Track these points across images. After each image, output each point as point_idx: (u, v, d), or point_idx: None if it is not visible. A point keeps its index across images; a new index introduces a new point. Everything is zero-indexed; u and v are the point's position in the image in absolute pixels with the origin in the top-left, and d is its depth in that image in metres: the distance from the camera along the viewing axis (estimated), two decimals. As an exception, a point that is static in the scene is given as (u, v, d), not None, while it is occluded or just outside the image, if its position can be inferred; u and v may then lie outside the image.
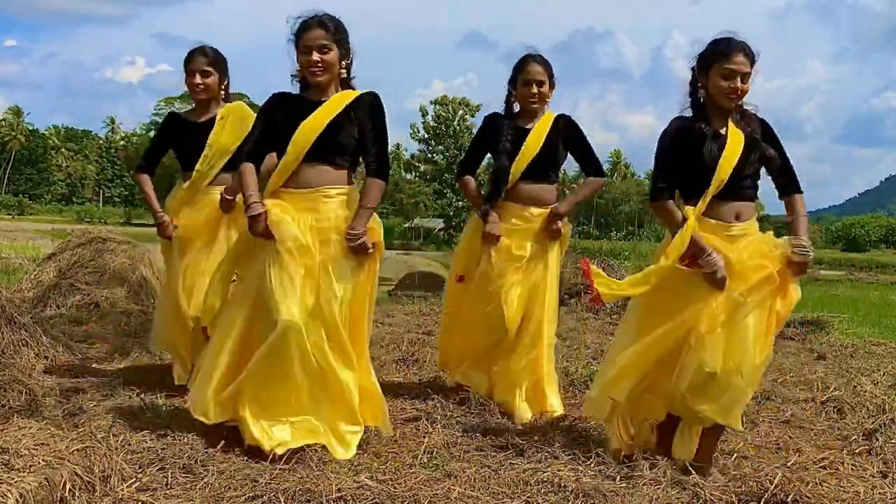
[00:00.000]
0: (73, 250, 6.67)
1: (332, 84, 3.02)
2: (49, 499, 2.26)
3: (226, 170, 3.63)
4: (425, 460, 2.90)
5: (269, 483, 2.55)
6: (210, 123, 3.71)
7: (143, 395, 3.59)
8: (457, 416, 3.53)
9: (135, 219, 55.31)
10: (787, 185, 2.95)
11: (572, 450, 3.09)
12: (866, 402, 3.96)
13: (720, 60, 2.78)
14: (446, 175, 53.38)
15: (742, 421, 3.01)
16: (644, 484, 2.70)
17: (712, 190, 2.78)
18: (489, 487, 2.65)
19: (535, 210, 3.60)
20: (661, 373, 2.85)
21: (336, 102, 2.98)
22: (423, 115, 55.62)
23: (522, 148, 3.55)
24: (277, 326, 2.77)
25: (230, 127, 3.65)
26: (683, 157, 2.82)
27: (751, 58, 2.80)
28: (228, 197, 3.60)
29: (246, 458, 2.81)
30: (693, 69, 2.89)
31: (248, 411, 2.87)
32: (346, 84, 3.06)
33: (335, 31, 2.95)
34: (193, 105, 3.85)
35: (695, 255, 2.75)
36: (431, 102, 56.33)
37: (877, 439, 3.28)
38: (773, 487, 2.58)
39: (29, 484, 2.21)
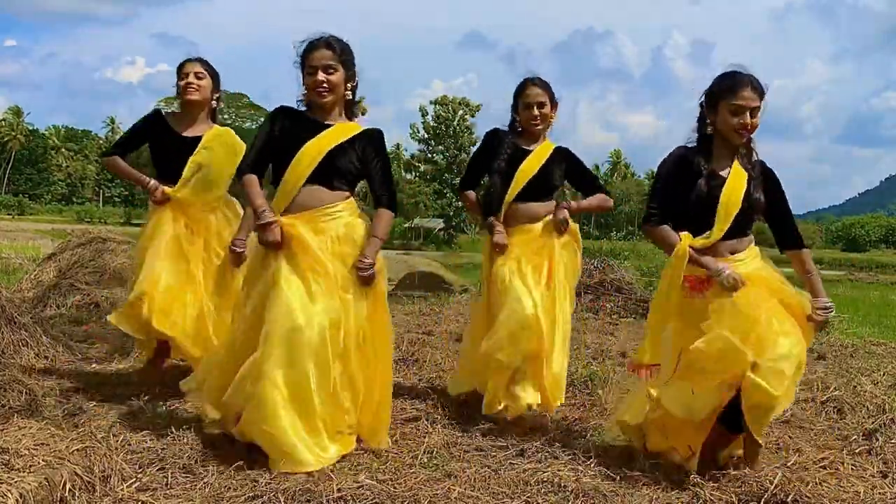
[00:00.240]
0: (73, 250, 6.69)
1: (336, 106, 3.02)
2: (49, 499, 2.26)
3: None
4: (425, 460, 2.90)
5: (269, 483, 2.55)
6: (195, 141, 3.68)
7: (143, 395, 3.58)
8: (457, 417, 3.53)
9: (135, 219, 55.26)
10: (788, 240, 2.92)
11: (572, 450, 3.09)
12: (866, 402, 3.96)
13: (727, 96, 2.73)
14: (446, 175, 53.38)
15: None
16: (644, 484, 2.70)
17: (716, 233, 2.76)
18: (489, 487, 2.65)
19: (533, 226, 3.59)
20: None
21: (342, 131, 2.98)
22: (423, 116, 55.63)
23: (518, 171, 3.55)
24: (296, 329, 2.74)
25: (221, 156, 3.66)
26: (681, 190, 2.80)
27: (759, 91, 2.73)
28: (238, 250, 3.55)
29: (246, 456, 2.80)
30: (701, 105, 2.85)
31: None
32: (351, 106, 3.07)
33: (341, 52, 2.95)
34: (179, 110, 3.80)
35: (707, 276, 2.75)
36: (431, 102, 56.34)
37: (877, 439, 3.28)
38: (773, 487, 2.58)
39: (29, 484, 2.21)
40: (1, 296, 4.53)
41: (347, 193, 3.02)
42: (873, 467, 3.00)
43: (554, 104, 3.62)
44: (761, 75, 2.79)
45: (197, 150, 3.66)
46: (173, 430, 3.04)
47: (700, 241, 2.79)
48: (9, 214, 56.09)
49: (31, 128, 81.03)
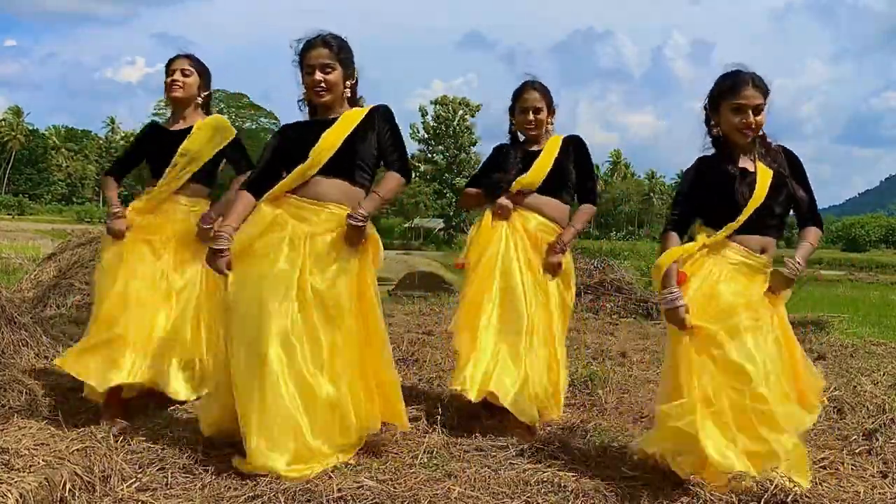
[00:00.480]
0: (73, 250, 6.69)
1: (336, 104, 3.00)
2: (49, 499, 2.26)
3: (192, 179, 3.55)
4: (425, 460, 2.89)
5: (270, 483, 2.55)
6: (185, 133, 3.60)
7: (143, 396, 3.58)
8: (457, 417, 3.52)
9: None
10: (808, 220, 2.90)
11: (572, 450, 3.09)
12: (866, 402, 3.96)
13: (728, 96, 2.71)
14: (446, 175, 53.41)
15: None
16: (644, 484, 2.70)
17: (735, 224, 2.72)
18: (489, 487, 2.64)
19: (539, 217, 3.53)
20: None
21: (351, 118, 2.96)
22: (423, 115, 55.67)
23: (534, 164, 3.51)
24: (262, 352, 2.70)
25: (204, 136, 3.56)
26: (709, 195, 2.76)
27: (762, 89, 2.70)
28: (205, 226, 3.45)
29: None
30: (705, 107, 2.82)
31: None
32: (353, 104, 3.05)
33: (339, 50, 2.93)
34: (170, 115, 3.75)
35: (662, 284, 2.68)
36: (431, 102, 56.39)
37: (877, 439, 3.28)
38: (773, 487, 2.58)
39: (29, 484, 2.22)
40: (1, 296, 4.53)
41: (369, 186, 2.99)
42: (873, 467, 3.00)
43: (551, 110, 3.60)
44: (762, 75, 2.76)
45: (188, 136, 3.60)
46: (173, 430, 3.04)
47: (718, 236, 2.74)
48: (9, 214, 56.11)
49: (31, 128, 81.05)
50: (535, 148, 3.59)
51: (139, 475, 2.58)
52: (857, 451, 3.20)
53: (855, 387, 4.33)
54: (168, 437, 2.98)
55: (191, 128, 3.59)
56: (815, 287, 14.56)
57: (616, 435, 3.30)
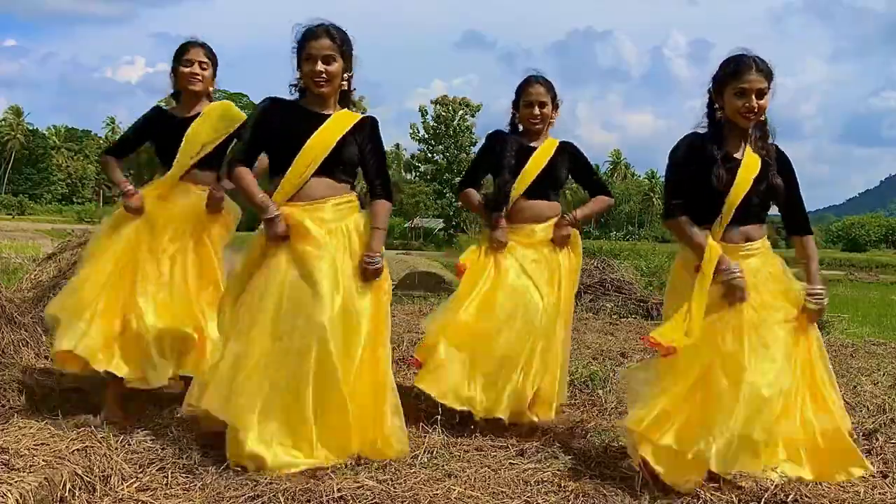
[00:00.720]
0: (73, 250, 6.66)
1: (332, 96, 2.99)
2: (49, 499, 2.26)
3: (202, 166, 3.54)
4: (425, 460, 2.89)
5: (270, 483, 2.55)
6: (193, 120, 3.56)
7: (144, 396, 3.58)
8: (457, 417, 3.52)
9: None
10: (797, 225, 2.92)
11: (572, 450, 3.09)
12: (866, 402, 3.96)
13: (732, 80, 2.72)
14: (446, 175, 53.36)
15: None
16: (644, 484, 2.70)
17: (724, 217, 2.75)
18: (489, 487, 2.65)
19: (536, 226, 3.57)
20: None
21: (342, 121, 2.96)
22: (423, 115, 55.62)
23: (525, 166, 3.53)
24: (312, 337, 2.73)
25: (212, 121, 3.52)
26: (693, 178, 2.77)
27: (765, 73, 2.71)
28: (217, 194, 3.43)
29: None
30: (709, 91, 2.83)
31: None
32: (346, 97, 3.04)
33: (341, 42, 2.92)
34: (175, 102, 3.70)
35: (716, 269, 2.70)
36: (432, 102, 56.33)
37: (877, 439, 3.28)
38: (773, 487, 2.58)
39: (29, 484, 2.22)
40: (1, 296, 4.52)
41: (350, 186, 3.02)
42: (873, 467, 2.99)
43: (555, 104, 3.61)
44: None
45: (195, 120, 3.56)
46: (173, 430, 3.03)
47: (717, 231, 2.76)
48: (9, 214, 56.10)
49: (31, 128, 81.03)
50: (532, 144, 3.60)
51: (139, 475, 2.58)
52: (857, 451, 3.19)
53: (855, 387, 4.33)
54: (168, 437, 2.97)
55: (198, 114, 3.58)
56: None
57: (616, 435, 3.30)
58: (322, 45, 2.87)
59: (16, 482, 2.21)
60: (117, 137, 3.84)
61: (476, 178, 3.78)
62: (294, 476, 2.64)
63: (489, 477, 2.75)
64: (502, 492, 2.61)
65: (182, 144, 3.50)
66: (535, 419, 3.44)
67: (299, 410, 2.74)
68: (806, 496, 2.55)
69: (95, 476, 2.44)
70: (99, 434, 2.88)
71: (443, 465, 2.84)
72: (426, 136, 55.81)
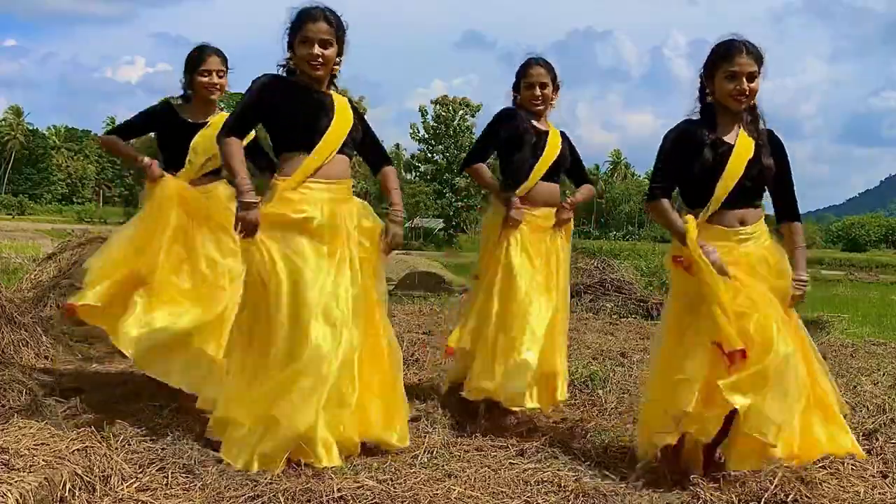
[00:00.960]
0: (73, 250, 6.67)
1: (325, 79, 3.00)
2: (49, 499, 2.26)
3: (208, 174, 3.59)
4: (425, 460, 2.89)
5: (269, 483, 2.55)
6: (201, 127, 3.61)
7: (143, 396, 3.58)
8: (457, 416, 3.52)
9: (135, 219, 55.18)
10: (786, 211, 2.93)
11: (572, 450, 3.09)
12: (866, 402, 3.96)
13: (723, 63, 2.75)
14: (446, 175, 53.33)
15: None
16: (644, 484, 2.70)
17: (715, 201, 2.76)
18: (489, 487, 2.65)
19: (545, 210, 3.61)
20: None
21: (345, 104, 3.02)
22: (423, 115, 55.59)
23: (546, 149, 3.56)
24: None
25: (215, 130, 3.57)
26: (685, 163, 2.79)
27: (755, 56, 2.75)
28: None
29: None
30: (701, 76, 2.86)
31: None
32: (332, 80, 3.06)
33: (338, 27, 2.94)
34: (185, 103, 3.71)
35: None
36: (432, 102, 56.30)
37: (877, 439, 3.28)
38: (773, 487, 2.58)
39: (29, 484, 2.21)
40: (1, 296, 4.53)
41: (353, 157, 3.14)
42: (873, 467, 2.99)
43: (556, 86, 3.63)
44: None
45: (202, 130, 3.60)
46: (173, 430, 3.03)
47: (701, 217, 2.78)
48: (9, 214, 56.09)
49: (31, 128, 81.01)
50: (543, 127, 3.63)
51: (139, 475, 2.58)
52: (857, 451, 3.19)
53: (855, 387, 4.33)
54: (168, 437, 2.97)
55: (207, 123, 3.59)
56: (816, 287, 14.55)
57: (616, 435, 3.30)
58: (320, 29, 2.88)
59: (16, 482, 2.20)
60: (143, 149, 3.83)
61: (485, 153, 3.76)
62: (294, 476, 2.64)
63: (489, 477, 2.75)
64: (502, 492, 2.61)
65: (189, 153, 3.54)
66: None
67: (340, 398, 2.81)
68: (806, 496, 2.55)
69: (95, 476, 2.44)
70: (99, 434, 2.88)
71: (443, 465, 2.84)
72: (426, 136, 55.76)
